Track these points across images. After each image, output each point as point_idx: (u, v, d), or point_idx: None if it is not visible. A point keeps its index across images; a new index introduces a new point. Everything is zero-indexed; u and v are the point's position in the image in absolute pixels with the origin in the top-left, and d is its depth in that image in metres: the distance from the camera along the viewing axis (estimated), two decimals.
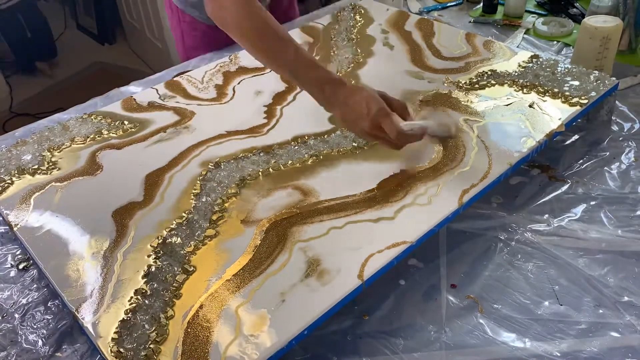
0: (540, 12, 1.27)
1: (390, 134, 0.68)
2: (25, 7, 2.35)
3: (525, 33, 1.19)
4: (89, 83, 2.56)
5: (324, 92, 0.72)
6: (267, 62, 0.77)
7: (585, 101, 0.83)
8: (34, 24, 2.44)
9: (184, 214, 0.69)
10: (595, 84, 0.86)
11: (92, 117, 0.90)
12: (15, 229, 0.69)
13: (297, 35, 1.12)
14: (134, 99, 0.94)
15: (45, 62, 2.56)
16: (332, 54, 1.04)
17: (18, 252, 0.73)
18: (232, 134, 0.84)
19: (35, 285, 0.68)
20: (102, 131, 0.86)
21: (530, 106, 0.82)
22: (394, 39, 1.07)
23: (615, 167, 0.81)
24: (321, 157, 0.77)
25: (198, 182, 0.74)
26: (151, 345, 0.54)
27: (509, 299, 0.64)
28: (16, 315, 0.64)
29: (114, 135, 0.86)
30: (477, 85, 0.90)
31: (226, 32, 0.76)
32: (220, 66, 1.02)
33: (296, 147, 0.79)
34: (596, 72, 0.89)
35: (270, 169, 0.76)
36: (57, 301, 0.66)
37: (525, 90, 0.87)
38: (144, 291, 0.59)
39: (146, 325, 0.56)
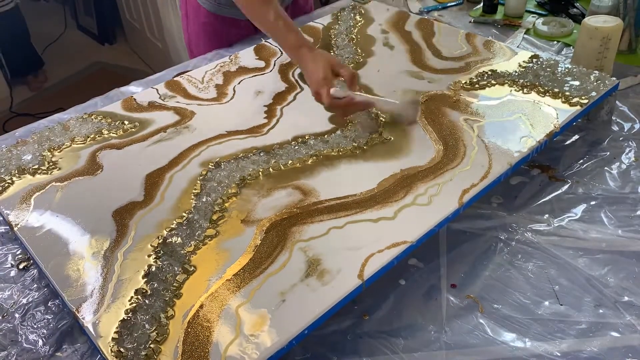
0: (540, 12, 1.27)
1: (325, 102, 0.80)
2: (5, 19, 2.30)
3: (525, 33, 1.19)
4: (89, 83, 2.56)
5: (296, 55, 0.85)
6: (251, 20, 0.93)
7: (586, 101, 0.83)
8: (14, 37, 2.38)
9: (184, 214, 0.69)
10: (595, 84, 0.86)
11: (92, 117, 0.90)
12: (15, 228, 0.69)
13: None
14: (134, 99, 0.94)
15: (32, 75, 2.52)
16: (332, 54, 1.04)
17: (18, 252, 0.73)
18: (232, 134, 0.84)
19: (35, 285, 0.68)
20: (103, 131, 0.86)
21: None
22: (394, 39, 1.07)
23: (616, 167, 0.81)
24: (321, 157, 0.77)
25: (198, 181, 0.74)
26: (151, 345, 0.54)
27: (509, 298, 0.64)
28: (16, 315, 0.64)
29: (114, 135, 0.86)
30: (477, 85, 0.90)
31: None
32: (221, 66, 1.02)
33: (296, 147, 0.79)
34: (596, 72, 0.89)
35: (271, 169, 0.76)
36: (57, 301, 0.66)
37: (525, 90, 0.87)
38: (144, 291, 0.59)
39: (146, 325, 0.56)
